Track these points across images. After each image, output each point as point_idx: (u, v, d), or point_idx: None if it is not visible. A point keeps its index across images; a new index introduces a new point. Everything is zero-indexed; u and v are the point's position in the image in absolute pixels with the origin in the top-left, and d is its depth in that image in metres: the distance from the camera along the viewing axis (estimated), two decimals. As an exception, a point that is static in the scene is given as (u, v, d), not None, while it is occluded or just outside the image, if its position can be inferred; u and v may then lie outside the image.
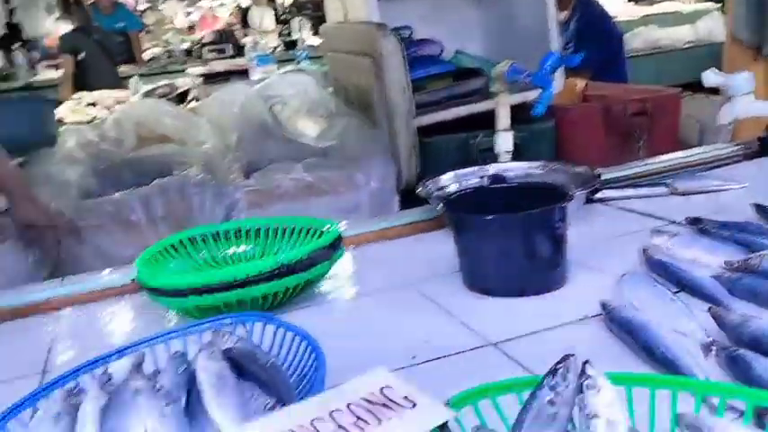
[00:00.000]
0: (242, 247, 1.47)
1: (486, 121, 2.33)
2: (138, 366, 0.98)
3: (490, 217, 1.10)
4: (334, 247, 1.27)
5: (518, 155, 2.01)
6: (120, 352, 1.00)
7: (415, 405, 0.71)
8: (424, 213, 1.70)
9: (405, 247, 1.57)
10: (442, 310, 1.19)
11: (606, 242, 1.38)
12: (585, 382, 0.71)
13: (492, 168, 1.64)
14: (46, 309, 1.45)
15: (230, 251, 1.46)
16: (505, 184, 1.46)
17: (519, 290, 1.16)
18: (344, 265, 1.41)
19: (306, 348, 0.95)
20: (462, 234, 1.18)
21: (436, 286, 1.29)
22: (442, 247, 1.52)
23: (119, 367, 0.97)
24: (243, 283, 1.16)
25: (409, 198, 2.31)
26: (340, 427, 0.70)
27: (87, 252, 2.19)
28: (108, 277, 1.59)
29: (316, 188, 2.34)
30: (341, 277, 1.41)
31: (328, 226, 1.33)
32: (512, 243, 1.12)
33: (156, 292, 1.19)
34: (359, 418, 0.71)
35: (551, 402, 0.70)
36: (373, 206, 2.33)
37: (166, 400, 0.84)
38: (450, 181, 1.63)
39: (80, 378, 0.95)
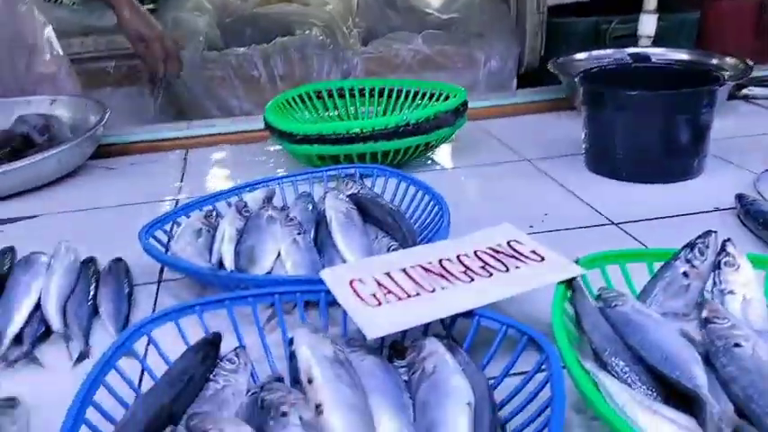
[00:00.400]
0: (362, 109, 1.48)
1: (618, 7, 2.18)
2: (269, 199, 1.03)
3: (633, 92, 1.04)
4: (459, 112, 1.25)
5: (655, 45, 1.87)
6: (253, 185, 1.06)
7: (543, 259, 0.72)
8: (548, 93, 1.65)
9: (525, 124, 1.54)
10: (562, 188, 1.17)
11: (748, 139, 1.30)
12: (724, 260, 0.69)
13: (631, 51, 1.54)
14: (174, 147, 1.54)
15: (352, 109, 1.47)
16: (650, 64, 1.38)
17: (649, 175, 1.11)
18: (463, 134, 1.40)
19: (429, 202, 0.97)
20: (597, 110, 1.13)
21: (557, 165, 1.27)
22: (563, 128, 1.48)
23: (250, 199, 1.03)
24: (367, 137, 1.18)
25: (528, 83, 2.23)
26: (467, 269, 0.72)
27: (209, 103, 2.27)
28: (233, 124, 1.66)
29: (433, 62, 2.29)
30: (458, 146, 1.40)
31: (455, 95, 1.30)
32: (651, 124, 1.07)
33: (284, 136, 1.23)
34: (486, 263, 0.73)
35: (685, 274, 0.69)
36: (490, 86, 2.27)
37: (298, 230, 0.89)
38: (584, 61, 1.55)
39: (216, 204, 1.02)
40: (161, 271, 0.96)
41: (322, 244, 0.90)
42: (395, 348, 0.66)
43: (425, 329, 0.69)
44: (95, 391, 0.58)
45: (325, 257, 0.87)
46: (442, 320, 0.70)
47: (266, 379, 0.65)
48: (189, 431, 0.53)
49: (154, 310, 0.86)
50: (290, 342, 0.68)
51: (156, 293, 0.90)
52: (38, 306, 0.81)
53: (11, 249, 0.93)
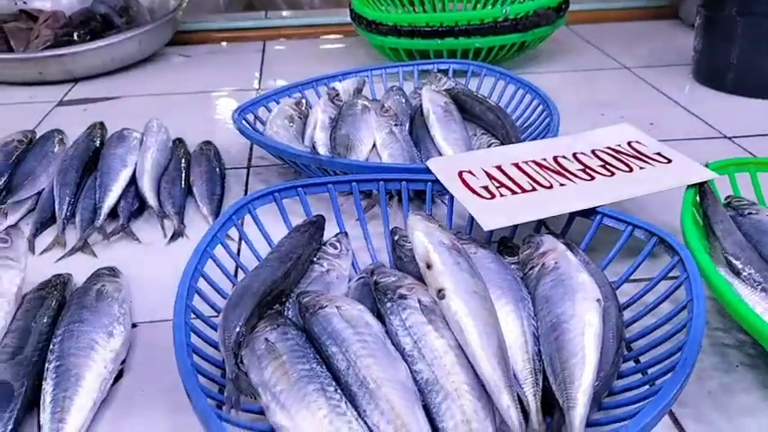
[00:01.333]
0: (450, 5, 1.40)
1: None
2: (359, 90, 0.99)
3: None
4: (560, 10, 1.17)
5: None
6: (343, 75, 1.02)
7: (670, 161, 0.67)
8: (649, 0, 1.53)
9: (623, 32, 1.44)
10: (667, 98, 1.09)
11: None
12: None
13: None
14: (251, 38, 1.50)
15: (440, 5, 1.39)
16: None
17: (766, 89, 1.03)
18: (556, 39, 1.32)
19: (531, 102, 0.92)
20: (716, 14, 1.03)
21: (660, 75, 1.18)
22: (666, 37, 1.38)
23: (340, 89, 0.98)
24: (461, 31, 1.11)
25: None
26: (586, 167, 0.67)
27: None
28: (312, 17, 1.60)
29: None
30: (552, 50, 1.32)
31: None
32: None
33: (371, 27, 1.17)
34: (606, 163, 0.68)
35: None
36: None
37: (394, 121, 0.85)
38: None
39: (305, 92, 0.98)
40: (249, 157, 0.94)
41: (418, 137, 0.86)
42: (505, 244, 0.63)
43: (538, 227, 0.65)
44: (205, 262, 0.57)
45: (422, 151, 0.83)
46: (543, 222, 0.66)
47: (371, 265, 0.62)
48: (303, 308, 0.51)
49: (245, 195, 0.84)
50: (392, 232, 0.65)
51: (247, 178, 0.88)
52: (131, 182, 0.80)
53: (101, 125, 0.92)
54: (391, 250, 0.64)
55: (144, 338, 0.60)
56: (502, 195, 0.63)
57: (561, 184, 0.64)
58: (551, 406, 0.46)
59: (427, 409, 0.45)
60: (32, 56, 1.21)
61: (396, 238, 0.64)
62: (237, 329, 0.50)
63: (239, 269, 0.63)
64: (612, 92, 1.13)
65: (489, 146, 0.82)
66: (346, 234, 0.66)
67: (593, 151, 0.70)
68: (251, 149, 0.95)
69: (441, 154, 0.81)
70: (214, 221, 0.75)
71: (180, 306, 0.50)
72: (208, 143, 0.91)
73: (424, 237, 0.54)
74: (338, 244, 0.64)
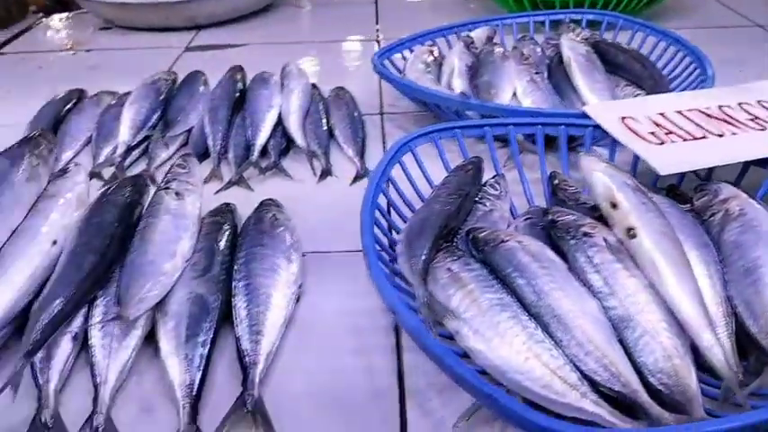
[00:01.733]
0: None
1: None
2: (490, 39, 0.98)
3: None
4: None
5: None
6: (474, 23, 1.01)
7: None
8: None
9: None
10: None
11: None
12: None
13: None
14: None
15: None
16: None
17: None
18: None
19: (675, 55, 0.88)
20: None
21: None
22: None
23: (473, 37, 0.97)
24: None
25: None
26: (755, 117, 0.65)
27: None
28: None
29: None
30: (674, 7, 1.27)
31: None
32: None
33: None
34: (779, 114, 0.65)
35: None
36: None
37: (535, 69, 0.84)
38: None
39: (436, 41, 0.98)
40: (380, 103, 0.94)
41: (557, 87, 0.85)
42: (674, 192, 0.62)
43: (708, 176, 0.63)
44: (378, 196, 0.58)
45: (564, 100, 0.82)
46: (696, 173, 0.64)
47: (533, 207, 0.62)
48: (482, 241, 0.52)
49: (383, 139, 0.85)
50: (551, 176, 0.65)
51: (382, 123, 0.89)
52: (278, 122, 0.82)
53: (240, 68, 0.94)
54: (550, 194, 0.64)
55: (311, 268, 0.62)
56: (673, 142, 0.62)
57: (732, 133, 0.62)
58: (742, 350, 0.46)
59: (621, 344, 0.45)
60: (162, 1, 1.24)
61: (556, 182, 0.63)
62: (423, 257, 0.51)
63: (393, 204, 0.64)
64: (746, 50, 1.08)
65: (635, 97, 0.80)
66: (503, 176, 0.66)
67: (758, 102, 0.67)
68: (380, 96, 0.96)
69: (583, 103, 0.80)
70: (360, 162, 0.78)
71: (368, 235, 0.51)
72: (341, 89, 0.92)
73: (606, 176, 0.54)
74: (497, 185, 0.64)
